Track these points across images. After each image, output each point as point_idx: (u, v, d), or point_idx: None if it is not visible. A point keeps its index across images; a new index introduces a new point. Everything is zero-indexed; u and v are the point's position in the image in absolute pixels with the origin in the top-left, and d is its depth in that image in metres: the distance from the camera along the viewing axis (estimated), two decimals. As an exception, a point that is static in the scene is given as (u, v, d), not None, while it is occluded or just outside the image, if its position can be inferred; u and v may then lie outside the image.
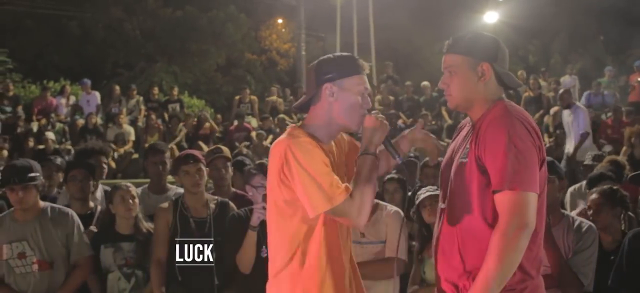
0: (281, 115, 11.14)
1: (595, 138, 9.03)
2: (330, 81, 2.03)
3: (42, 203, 3.40)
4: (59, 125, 10.50)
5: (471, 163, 1.96)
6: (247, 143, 10.16)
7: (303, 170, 1.89)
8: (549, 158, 2.55)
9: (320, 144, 2.00)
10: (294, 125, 2.09)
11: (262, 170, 3.15)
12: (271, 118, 11.23)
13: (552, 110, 10.55)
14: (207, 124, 10.84)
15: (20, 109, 10.78)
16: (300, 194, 1.91)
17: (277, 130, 10.63)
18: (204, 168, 3.45)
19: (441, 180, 2.16)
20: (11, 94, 11.27)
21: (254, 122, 11.39)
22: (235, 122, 10.87)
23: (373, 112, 2.06)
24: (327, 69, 2.05)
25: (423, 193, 3.26)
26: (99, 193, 4.31)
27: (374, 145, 1.99)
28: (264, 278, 3.01)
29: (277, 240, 2.03)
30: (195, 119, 10.84)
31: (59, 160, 4.97)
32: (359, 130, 2.07)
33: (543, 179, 1.97)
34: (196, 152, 3.56)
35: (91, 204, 3.90)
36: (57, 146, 9.47)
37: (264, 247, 3.05)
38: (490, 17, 18.29)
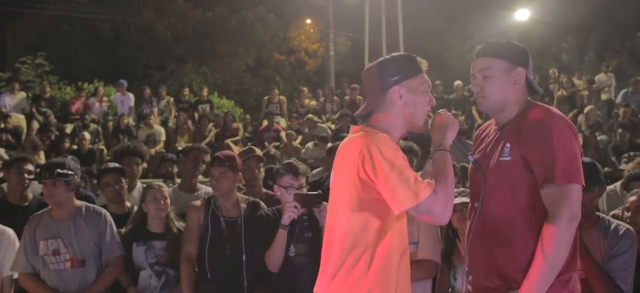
0: (309, 115, 11.15)
1: (632, 138, 8.77)
2: (397, 84, 2.01)
3: (77, 202, 3.48)
4: (92, 126, 10.72)
5: (515, 161, 2.01)
6: (276, 143, 10.20)
7: (389, 165, 1.86)
8: (587, 160, 2.49)
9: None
10: (362, 126, 2.06)
11: (291, 170, 3.15)
12: (300, 118, 11.25)
13: (586, 109, 10.31)
14: (235, 124, 10.94)
15: (51, 110, 11.02)
16: (385, 190, 1.86)
17: (306, 130, 10.66)
18: (230, 172, 3.40)
19: (472, 181, 2.18)
20: (48, 95, 11.57)
21: (282, 123, 11.42)
22: (265, 122, 10.93)
23: (441, 110, 2.10)
24: (391, 71, 2.03)
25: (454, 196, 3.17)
26: (136, 192, 4.38)
27: (447, 142, 2.01)
28: (291, 276, 3.04)
29: (341, 242, 1.97)
30: (222, 119, 10.95)
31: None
32: (427, 129, 2.08)
33: None
34: (226, 155, 3.48)
35: (128, 204, 3.98)
36: (91, 146, 9.68)
37: (291, 245, 3.07)
38: (522, 15, 17.95)
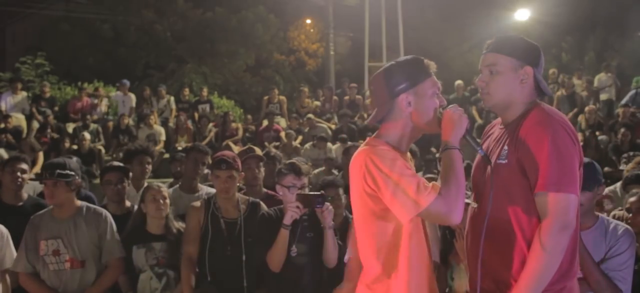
0: (309, 115, 11.16)
1: (633, 138, 8.78)
2: (405, 91, 2.00)
3: (78, 203, 3.48)
4: (93, 126, 10.73)
5: (511, 165, 1.99)
6: (276, 143, 10.21)
7: (387, 176, 1.89)
8: (586, 160, 2.48)
9: (399, 152, 2.01)
10: (371, 136, 2.09)
11: (293, 169, 3.16)
12: (300, 118, 11.26)
13: (587, 109, 10.31)
14: (235, 124, 10.95)
15: (51, 110, 11.01)
16: (389, 201, 1.90)
17: (306, 130, 10.66)
18: (235, 173, 3.42)
19: (473, 181, 2.18)
20: (48, 95, 11.56)
21: (282, 123, 11.42)
22: (265, 122, 10.94)
23: (450, 106, 2.05)
24: (398, 79, 2.02)
25: None
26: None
27: (456, 139, 1.98)
28: (293, 276, 3.05)
29: (367, 251, 2.03)
30: (222, 119, 10.96)
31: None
32: (438, 129, 2.05)
33: (580, 181, 2.00)
34: (229, 156, 3.49)
35: (128, 204, 3.97)
36: (91, 146, 9.68)
37: (294, 245, 3.08)
38: (522, 15, 17.95)
